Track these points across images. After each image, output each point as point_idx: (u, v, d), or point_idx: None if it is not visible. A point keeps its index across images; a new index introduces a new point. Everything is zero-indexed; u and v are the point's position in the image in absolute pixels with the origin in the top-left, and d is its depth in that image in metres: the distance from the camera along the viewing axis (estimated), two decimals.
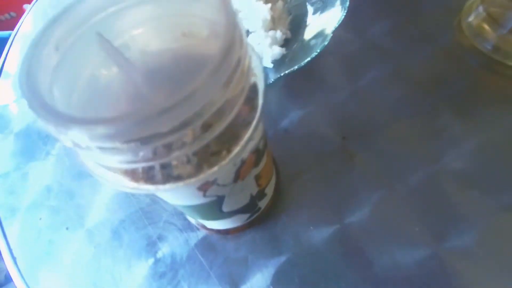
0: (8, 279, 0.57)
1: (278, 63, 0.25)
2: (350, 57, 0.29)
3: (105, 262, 0.22)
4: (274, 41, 0.26)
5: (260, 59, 0.12)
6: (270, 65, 0.25)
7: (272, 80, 0.22)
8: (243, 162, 0.13)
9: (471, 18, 0.28)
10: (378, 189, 0.22)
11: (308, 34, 0.26)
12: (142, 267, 0.21)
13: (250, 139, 0.11)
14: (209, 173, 0.11)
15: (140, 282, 0.21)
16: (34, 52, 0.10)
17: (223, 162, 0.11)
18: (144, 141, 0.09)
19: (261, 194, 0.18)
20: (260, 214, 0.21)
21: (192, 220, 0.21)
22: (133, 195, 0.24)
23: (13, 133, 0.31)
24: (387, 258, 0.19)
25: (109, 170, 0.11)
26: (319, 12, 0.27)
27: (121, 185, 0.11)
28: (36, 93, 0.09)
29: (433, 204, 0.21)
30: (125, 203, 0.24)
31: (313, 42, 0.24)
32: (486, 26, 0.27)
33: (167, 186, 0.11)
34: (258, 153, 0.14)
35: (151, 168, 0.10)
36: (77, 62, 0.11)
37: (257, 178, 0.16)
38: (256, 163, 0.14)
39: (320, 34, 0.25)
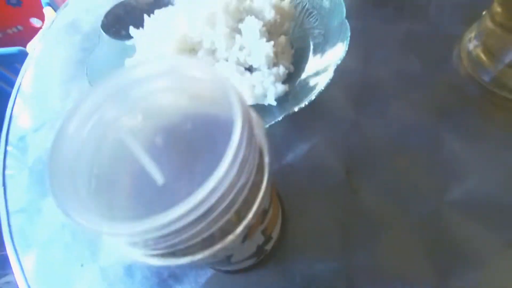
0: None
1: (282, 99, 0.26)
2: (352, 87, 0.30)
3: None
4: (277, 78, 0.26)
5: (262, 121, 0.13)
6: (274, 103, 0.26)
7: (280, 118, 0.23)
8: (249, 227, 0.13)
9: (471, 48, 0.28)
10: (382, 225, 0.22)
11: (310, 69, 0.27)
12: None
13: (260, 203, 0.12)
14: (222, 245, 0.11)
15: None
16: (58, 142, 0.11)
17: (237, 231, 0.12)
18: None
19: (267, 240, 0.19)
20: (268, 254, 0.21)
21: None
22: None
23: (27, 167, 0.32)
24: None
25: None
26: (320, 48, 0.28)
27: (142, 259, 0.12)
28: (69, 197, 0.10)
29: (437, 239, 0.21)
30: None
31: (314, 80, 0.25)
32: (484, 58, 0.27)
33: (186, 259, 0.12)
34: (264, 213, 0.15)
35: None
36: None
37: (264, 231, 0.16)
38: (261, 222, 0.15)
39: (322, 71, 0.26)
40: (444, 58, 0.30)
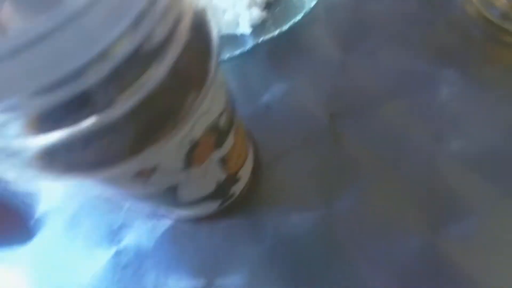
0: None
1: (258, 28, 0.22)
2: (341, 24, 0.26)
3: (59, 254, 0.20)
4: (253, 3, 0.22)
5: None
6: (249, 30, 0.22)
7: (251, 46, 0.19)
8: (194, 144, 0.09)
9: None
10: (368, 173, 0.19)
11: None
12: (103, 258, 0.19)
13: (202, 112, 0.09)
14: (140, 158, 0.08)
15: (100, 274, 0.19)
16: None
17: (166, 140, 0.08)
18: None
19: (232, 180, 0.15)
20: (236, 200, 0.18)
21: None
22: None
23: None
24: (377, 247, 0.17)
25: None
26: None
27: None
28: None
29: (429, 190, 0.19)
30: (81, 188, 0.21)
31: (298, 2, 0.21)
32: None
33: (97, 176, 0.08)
34: (219, 133, 0.11)
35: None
36: None
37: (223, 162, 0.13)
38: (217, 145, 0.11)
39: None
40: None
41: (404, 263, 0.17)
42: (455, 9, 0.25)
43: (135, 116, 0.07)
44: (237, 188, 0.17)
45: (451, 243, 0.17)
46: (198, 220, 0.19)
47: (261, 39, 0.19)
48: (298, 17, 0.19)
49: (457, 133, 0.20)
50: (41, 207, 0.21)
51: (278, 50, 0.25)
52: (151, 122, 0.07)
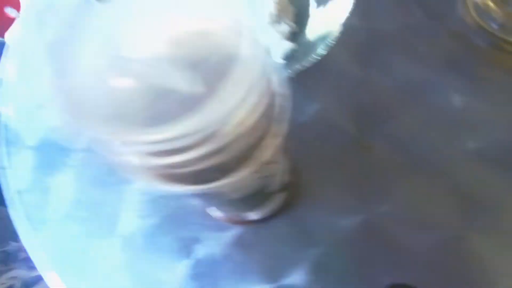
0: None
1: (289, 58, 0.26)
2: (358, 43, 0.29)
3: (141, 267, 0.23)
4: (282, 36, 0.26)
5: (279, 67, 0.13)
6: (281, 61, 0.25)
7: (289, 73, 0.22)
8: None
9: None
10: (398, 178, 0.23)
11: (315, 27, 0.26)
12: (179, 270, 0.22)
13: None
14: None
15: (178, 284, 0.22)
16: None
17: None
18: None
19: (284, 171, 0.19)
20: (289, 196, 0.22)
21: (225, 218, 0.22)
22: (160, 200, 0.25)
23: (26, 147, 0.31)
24: (415, 243, 0.20)
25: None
26: (322, 5, 0.27)
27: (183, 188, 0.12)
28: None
29: (455, 187, 0.22)
30: (152, 208, 0.25)
31: (320, 37, 0.24)
32: (491, 4, 0.27)
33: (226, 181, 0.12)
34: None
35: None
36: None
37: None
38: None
39: (329, 25, 0.25)
40: (448, 8, 0.29)
41: (436, 254, 0.20)
42: (457, 21, 0.28)
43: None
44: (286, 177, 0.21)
45: (478, 235, 0.20)
46: (263, 224, 0.22)
47: (291, 68, 0.22)
48: (323, 51, 0.23)
49: (473, 135, 0.23)
50: (124, 227, 0.24)
51: (306, 73, 0.28)
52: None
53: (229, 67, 0.09)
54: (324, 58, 0.29)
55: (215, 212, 0.23)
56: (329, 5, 0.26)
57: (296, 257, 0.21)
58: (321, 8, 0.27)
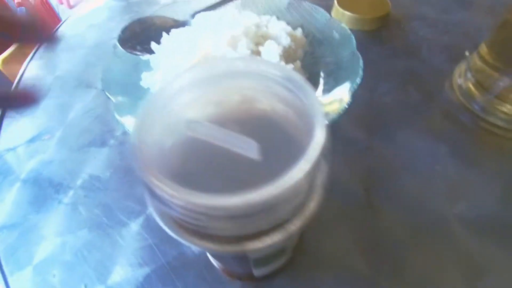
0: None
1: None
2: (362, 115, 0.31)
3: None
4: None
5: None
6: None
7: None
8: None
9: (460, 81, 0.32)
10: (401, 241, 0.23)
11: (324, 98, 0.29)
12: None
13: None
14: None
15: None
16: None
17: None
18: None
19: None
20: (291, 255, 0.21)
21: (224, 271, 0.21)
22: (158, 247, 0.24)
23: (19, 180, 0.29)
24: None
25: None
26: (333, 75, 0.30)
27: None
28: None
29: (457, 257, 0.22)
30: (149, 257, 0.23)
31: (330, 106, 0.27)
32: (474, 89, 0.31)
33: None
34: None
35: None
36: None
37: None
38: None
39: (337, 96, 0.27)
40: (439, 90, 0.33)
41: None
42: (447, 101, 0.32)
43: None
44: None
45: None
46: (264, 282, 0.21)
47: None
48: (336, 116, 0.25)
49: (466, 203, 0.25)
50: (109, 279, 0.22)
51: None
52: None
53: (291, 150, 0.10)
54: (334, 126, 0.31)
55: (216, 263, 0.22)
56: (332, 93, 0.29)
57: None
58: (330, 82, 0.30)
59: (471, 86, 0.31)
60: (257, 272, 0.20)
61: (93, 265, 0.23)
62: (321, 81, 0.32)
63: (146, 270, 0.23)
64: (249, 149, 0.11)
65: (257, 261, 0.17)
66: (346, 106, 0.25)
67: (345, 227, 0.24)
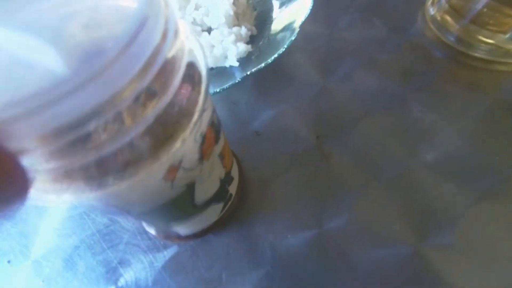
0: None
1: (245, 61, 0.24)
2: (318, 52, 0.28)
3: None
4: (238, 38, 0.24)
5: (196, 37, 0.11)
6: (236, 64, 0.24)
7: (239, 79, 0.20)
8: (203, 138, 0.12)
9: (434, 10, 0.28)
10: (355, 189, 0.21)
11: (274, 28, 0.25)
12: None
13: (202, 109, 0.10)
14: (172, 152, 0.09)
15: None
16: None
17: (185, 134, 0.10)
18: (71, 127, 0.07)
19: (228, 177, 0.17)
20: (232, 205, 0.19)
21: (158, 234, 0.19)
22: (88, 216, 0.21)
23: None
24: (369, 261, 0.18)
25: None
26: (285, 6, 0.26)
27: (55, 200, 0.09)
28: None
29: (410, 200, 0.20)
30: (79, 226, 0.21)
31: (280, 36, 0.23)
32: (448, 18, 0.27)
33: (125, 183, 0.09)
34: (215, 128, 0.13)
35: (98, 164, 0.08)
36: None
37: (221, 157, 0.15)
38: (216, 140, 0.13)
39: (287, 28, 0.23)
40: (409, 22, 0.29)
41: (391, 272, 0.18)
42: (417, 34, 0.28)
43: (160, 122, 0.09)
44: (233, 188, 0.19)
45: (434, 250, 0.18)
46: (202, 234, 0.19)
47: (248, 71, 0.20)
48: (281, 50, 0.21)
49: (428, 145, 0.22)
50: (38, 249, 0.20)
51: (264, 80, 0.26)
52: (173, 124, 0.10)
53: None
54: (285, 66, 0.28)
55: (149, 228, 0.19)
56: (290, 5, 0.25)
57: (234, 281, 0.18)
58: (283, 8, 0.26)
59: (444, 15, 0.27)
60: (181, 230, 0.17)
61: (18, 239, 0.21)
62: (275, 11, 0.27)
63: (74, 240, 0.21)
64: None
65: (155, 217, 0.14)
66: (293, 39, 0.21)
67: (294, 176, 0.22)
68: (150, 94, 0.09)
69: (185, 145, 0.10)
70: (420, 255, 0.18)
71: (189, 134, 0.10)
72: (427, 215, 0.20)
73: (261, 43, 0.25)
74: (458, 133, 0.23)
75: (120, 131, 0.08)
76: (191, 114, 0.10)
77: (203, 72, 0.10)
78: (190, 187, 0.13)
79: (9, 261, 0.20)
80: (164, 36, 0.08)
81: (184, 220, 0.16)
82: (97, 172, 0.09)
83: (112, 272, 0.19)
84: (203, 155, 0.12)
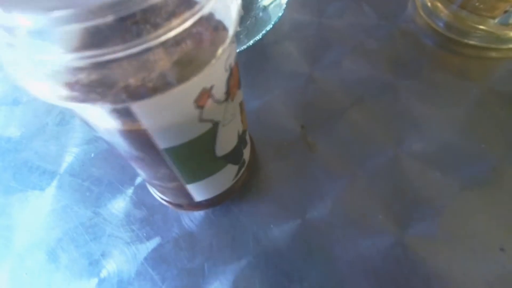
0: None
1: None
2: (307, 40, 0.27)
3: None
4: None
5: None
6: None
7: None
8: (231, 70, 0.12)
9: None
10: (339, 179, 0.20)
11: (261, 3, 0.25)
12: None
13: (233, 39, 0.10)
14: (207, 70, 0.09)
15: None
16: None
17: (218, 52, 0.09)
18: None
19: (244, 136, 0.17)
20: (243, 176, 0.19)
21: (171, 200, 0.19)
22: (71, 209, 0.21)
23: None
24: (351, 251, 0.18)
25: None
26: None
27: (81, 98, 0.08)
28: None
29: (395, 190, 0.20)
30: (61, 219, 0.21)
31: (267, 13, 0.22)
32: (438, 4, 0.26)
33: (161, 95, 0.09)
34: (238, 70, 0.13)
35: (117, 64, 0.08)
36: None
37: (241, 108, 0.15)
38: (239, 84, 0.14)
39: (274, 4, 0.23)
40: (399, 8, 0.29)
41: (375, 261, 0.18)
42: (407, 21, 0.28)
43: (191, 42, 0.09)
44: (246, 154, 0.19)
45: (417, 240, 0.18)
46: (208, 205, 0.19)
47: (238, 49, 0.20)
48: (269, 26, 0.21)
49: (415, 134, 0.22)
50: (21, 241, 0.20)
51: (250, 67, 0.26)
52: (204, 48, 0.09)
53: None
54: (272, 52, 0.27)
55: (161, 194, 0.19)
56: None
57: (216, 272, 0.18)
58: None
59: (435, 1, 0.26)
60: (193, 191, 0.17)
61: (1, 232, 0.21)
62: None
63: (57, 232, 0.20)
64: None
65: (178, 161, 0.14)
66: (280, 15, 0.21)
67: (279, 166, 0.21)
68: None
69: (217, 68, 0.10)
70: (403, 245, 0.18)
71: (221, 53, 0.10)
72: (411, 204, 0.19)
73: (248, 22, 0.24)
74: (447, 121, 0.22)
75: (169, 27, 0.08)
76: (224, 37, 0.10)
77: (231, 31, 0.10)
78: (214, 127, 0.13)
79: None
80: None
81: (201, 175, 0.16)
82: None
83: (95, 264, 0.19)
84: (229, 91, 0.12)
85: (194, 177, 0.16)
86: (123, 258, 0.19)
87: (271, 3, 0.23)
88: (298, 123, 0.23)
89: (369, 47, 0.27)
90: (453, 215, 0.19)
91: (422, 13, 0.27)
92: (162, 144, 0.12)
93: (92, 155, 0.23)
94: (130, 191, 0.21)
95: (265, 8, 0.23)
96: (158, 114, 0.10)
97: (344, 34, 0.28)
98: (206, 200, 0.18)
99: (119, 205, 0.21)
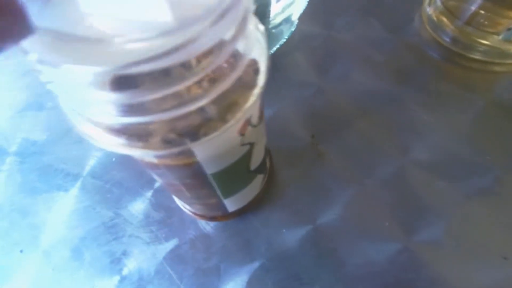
0: None
1: None
2: (316, 52, 0.29)
3: (65, 285, 0.20)
4: None
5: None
6: None
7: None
8: (260, 106, 0.14)
9: (430, 11, 0.28)
10: (348, 186, 0.21)
11: (273, 22, 0.26)
12: (107, 287, 0.20)
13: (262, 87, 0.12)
14: (248, 106, 0.11)
15: None
16: None
17: (256, 90, 0.11)
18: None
19: (267, 150, 0.20)
20: (266, 182, 0.21)
21: (205, 214, 0.20)
22: (93, 209, 0.23)
23: None
24: (359, 256, 0.19)
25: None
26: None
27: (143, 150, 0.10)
28: None
29: (402, 198, 0.21)
30: (84, 218, 0.22)
31: (279, 30, 0.24)
32: (444, 19, 0.27)
33: (217, 132, 0.10)
34: (262, 108, 0.15)
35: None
36: None
37: (264, 124, 0.17)
38: (261, 116, 0.15)
39: (286, 21, 0.24)
40: (406, 22, 0.30)
41: (382, 267, 0.19)
42: (414, 35, 0.29)
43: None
44: (268, 162, 0.21)
45: (423, 246, 0.19)
46: (243, 213, 0.20)
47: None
48: (282, 41, 0.22)
49: (421, 144, 0.23)
50: (47, 239, 0.22)
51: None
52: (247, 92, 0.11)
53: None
54: (282, 64, 0.28)
55: (195, 209, 0.20)
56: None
57: (231, 273, 0.19)
58: (280, 1, 0.26)
59: (440, 15, 0.27)
60: (228, 203, 0.18)
61: (28, 230, 0.22)
62: (272, 11, 0.28)
63: (81, 231, 0.22)
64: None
65: (221, 182, 0.15)
66: (292, 30, 0.22)
67: (291, 174, 0.22)
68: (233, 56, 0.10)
69: (253, 106, 0.11)
70: (409, 251, 0.19)
71: (256, 100, 0.11)
72: (417, 212, 0.20)
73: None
74: (451, 132, 0.23)
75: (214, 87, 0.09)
76: (261, 79, 0.11)
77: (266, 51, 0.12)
78: (251, 148, 0.14)
79: (21, 251, 0.22)
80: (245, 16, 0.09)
81: (238, 189, 0.17)
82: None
83: (116, 262, 0.20)
84: (260, 114, 0.14)
85: (232, 192, 0.17)
86: (143, 257, 0.20)
87: (283, 20, 0.24)
88: (308, 132, 0.24)
89: (376, 59, 0.28)
90: (457, 223, 0.20)
91: (428, 27, 0.28)
92: (209, 170, 0.14)
93: (114, 159, 0.25)
94: (149, 194, 0.23)
95: (277, 26, 0.25)
96: (211, 148, 0.12)
97: (352, 47, 0.29)
98: (238, 209, 0.20)
99: (139, 207, 0.22)
